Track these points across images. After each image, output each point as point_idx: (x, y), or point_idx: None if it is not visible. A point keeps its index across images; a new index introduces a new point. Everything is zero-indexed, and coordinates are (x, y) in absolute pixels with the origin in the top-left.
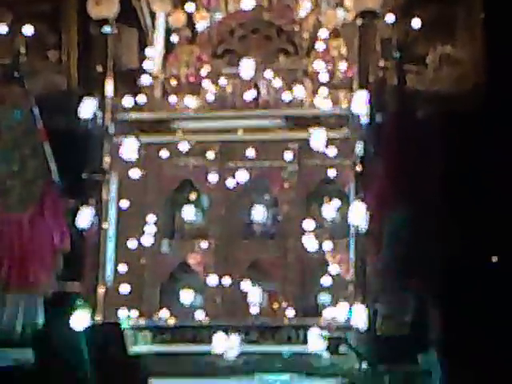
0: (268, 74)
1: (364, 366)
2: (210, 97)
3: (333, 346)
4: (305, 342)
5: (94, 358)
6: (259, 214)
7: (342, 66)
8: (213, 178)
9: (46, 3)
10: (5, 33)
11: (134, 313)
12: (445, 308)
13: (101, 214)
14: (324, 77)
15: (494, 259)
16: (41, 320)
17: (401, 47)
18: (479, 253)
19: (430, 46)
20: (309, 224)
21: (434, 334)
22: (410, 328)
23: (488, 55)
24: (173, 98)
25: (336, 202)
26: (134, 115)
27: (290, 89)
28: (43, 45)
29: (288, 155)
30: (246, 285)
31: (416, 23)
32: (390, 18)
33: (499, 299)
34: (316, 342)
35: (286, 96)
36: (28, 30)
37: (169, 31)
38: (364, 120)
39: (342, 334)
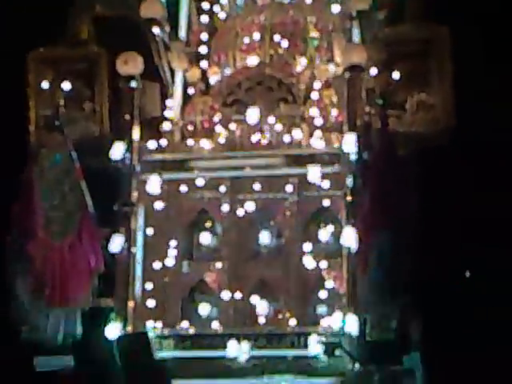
0: (271, 119)
1: (356, 366)
2: (222, 140)
3: (329, 349)
4: (306, 346)
5: (125, 362)
6: (265, 238)
7: (334, 112)
8: (225, 208)
9: (82, 63)
10: (47, 88)
11: (159, 324)
12: (424, 316)
13: (130, 240)
14: (318, 121)
15: (467, 274)
16: (79, 331)
17: (383, 95)
18: (453, 268)
19: (408, 94)
20: (307, 246)
21: (415, 339)
22: (395, 334)
23: (456, 101)
24: (190, 141)
25: (330, 227)
26: (157, 156)
27: (290, 132)
28: (79, 98)
29: (289, 188)
30: (254, 299)
31: (396, 75)
32: (373, 71)
33: (471, 308)
34: (315, 346)
35: (286, 138)
36: (66, 85)
37: (186, 85)
38: (353, 157)
39: (337, 339)
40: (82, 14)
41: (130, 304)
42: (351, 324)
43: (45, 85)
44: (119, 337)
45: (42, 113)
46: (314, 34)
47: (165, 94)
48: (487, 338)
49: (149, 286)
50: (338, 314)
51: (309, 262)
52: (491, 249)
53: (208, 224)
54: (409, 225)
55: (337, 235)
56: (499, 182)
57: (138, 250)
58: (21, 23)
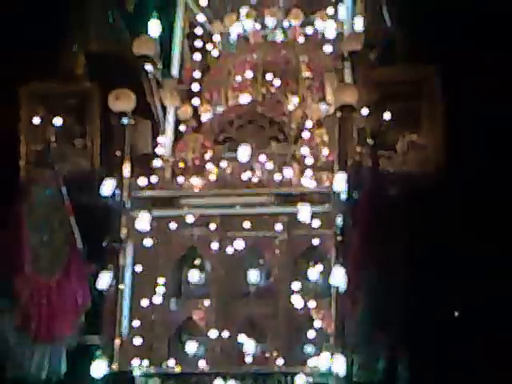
0: (262, 158)
1: None
2: (213, 177)
3: None
4: None
5: None
6: (254, 276)
7: (325, 151)
8: (214, 245)
9: (73, 99)
10: (38, 123)
11: (146, 362)
12: (412, 356)
13: (118, 277)
14: (309, 160)
15: (456, 314)
16: (64, 368)
17: (374, 135)
18: (442, 308)
19: (399, 134)
20: (296, 285)
21: (403, 380)
22: (383, 375)
23: (447, 142)
24: (181, 179)
25: (319, 267)
26: (147, 193)
27: (281, 170)
28: (71, 134)
29: (278, 226)
30: (242, 337)
31: (387, 115)
32: (364, 111)
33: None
34: None
35: (277, 177)
36: (57, 121)
37: (177, 122)
38: (343, 197)
39: (324, 380)
40: (76, 49)
41: (117, 341)
42: (339, 364)
43: (36, 120)
44: (105, 375)
45: (32, 148)
46: (306, 73)
47: (156, 131)
48: (477, 378)
49: (136, 323)
50: (325, 354)
51: (297, 302)
52: (481, 288)
53: (197, 261)
54: (398, 265)
55: (326, 274)
56: (489, 223)
57: (126, 287)
58: (13, 57)
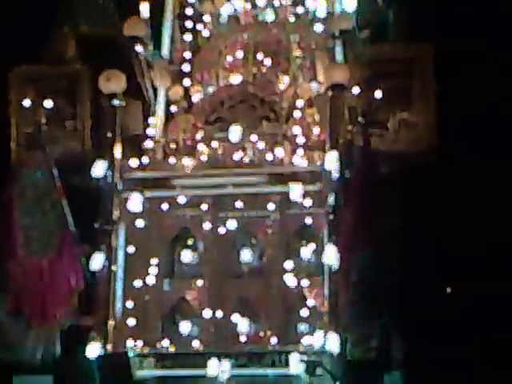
0: (253, 137)
1: None
2: (204, 158)
3: (311, 368)
4: (287, 365)
5: (105, 382)
6: (247, 256)
7: (316, 130)
8: (207, 226)
9: (64, 81)
10: (29, 105)
11: (140, 342)
12: (405, 335)
13: (111, 259)
14: (301, 139)
15: (448, 290)
16: (58, 350)
17: (365, 114)
18: (434, 286)
19: (390, 112)
20: (289, 264)
21: (396, 358)
22: (376, 353)
23: (439, 120)
24: (172, 159)
25: (312, 245)
26: (139, 174)
27: (272, 150)
28: (61, 116)
29: (271, 206)
30: (235, 317)
31: (378, 94)
32: (355, 90)
33: (452, 326)
34: (296, 365)
35: (269, 156)
36: (48, 103)
37: (168, 103)
38: (335, 176)
39: (318, 358)
40: (66, 32)
41: (111, 322)
42: (332, 343)
43: (26, 103)
44: (99, 356)
45: (23, 130)
46: (296, 52)
47: (147, 112)
48: (469, 356)
49: (129, 304)
50: (319, 333)
51: (290, 280)
52: (473, 267)
53: (189, 242)
54: (390, 243)
55: (319, 253)
56: (482, 202)
57: (119, 268)
58: (3, 41)
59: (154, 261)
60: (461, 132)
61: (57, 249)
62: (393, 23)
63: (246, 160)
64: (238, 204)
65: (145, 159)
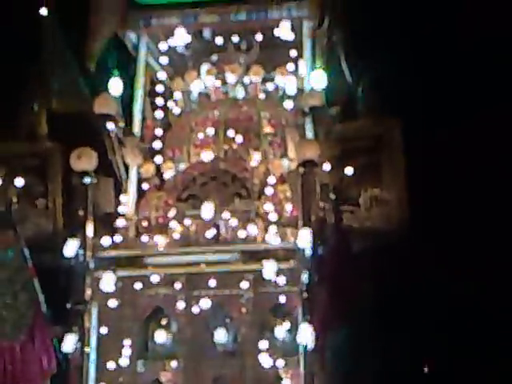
0: (225, 214)
1: None
2: (177, 235)
3: None
4: None
5: None
6: (221, 336)
7: (288, 207)
8: (180, 305)
9: (35, 159)
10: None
11: None
12: None
13: (83, 340)
14: (273, 216)
15: (425, 369)
16: None
17: (336, 191)
18: (410, 364)
19: (361, 189)
20: (264, 344)
21: None
22: None
23: (409, 196)
24: (144, 237)
25: (286, 324)
26: (111, 253)
27: (245, 227)
28: (32, 194)
29: (244, 284)
30: None
31: (349, 171)
32: (326, 166)
33: None
34: None
35: (241, 233)
36: (19, 181)
37: (140, 180)
38: (308, 253)
39: None
40: (36, 108)
41: None
42: None
43: None
44: None
45: None
46: (267, 129)
47: (119, 190)
48: None
49: None
50: None
51: (265, 361)
52: (450, 341)
53: (163, 322)
54: (364, 320)
55: (293, 332)
56: (453, 275)
57: (92, 350)
58: None
59: (128, 341)
60: (432, 206)
61: (28, 331)
62: (362, 100)
63: (219, 237)
64: (212, 282)
65: (117, 238)
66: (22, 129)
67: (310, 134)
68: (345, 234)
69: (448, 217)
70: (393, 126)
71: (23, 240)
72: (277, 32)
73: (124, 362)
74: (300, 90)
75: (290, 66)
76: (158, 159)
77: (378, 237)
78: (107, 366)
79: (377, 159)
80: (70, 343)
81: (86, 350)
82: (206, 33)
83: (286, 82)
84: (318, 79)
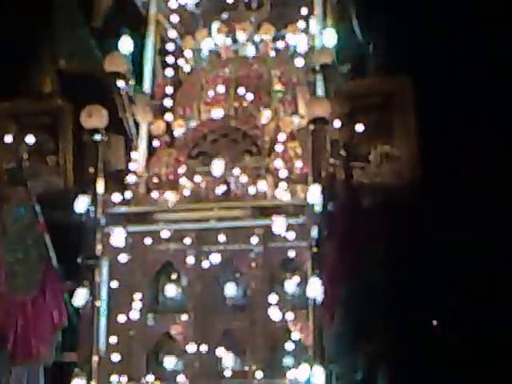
0: (236, 171)
1: None
2: (187, 192)
3: None
4: None
5: None
6: (231, 289)
7: (298, 163)
8: (190, 260)
9: (46, 116)
10: (10, 142)
11: (124, 378)
12: (390, 367)
13: (94, 294)
14: (283, 173)
15: (434, 323)
16: None
17: (347, 147)
18: (420, 318)
19: (372, 146)
20: (273, 298)
21: None
22: None
23: (421, 153)
24: (155, 194)
25: (296, 278)
26: (121, 209)
27: (255, 183)
28: (43, 151)
29: (254, 239)
30: (220, 351)
31: (359, 127)
32: (337, 123)
33: (437, 358)
34: None
35: (252, 190)
36: (30, 139)
37: (151, 137)
38: (318, 209)
39: None
40: (46, 67)
41: (95, 358)
42: (317, 376)
43: (8, 138)
44: None
45: (5, 166)
46: (278, 87)
47: (129, 147)
48: None
49: (113, 339)
50: (304, 366)
51: (275, 314)
52: (460, 298)
53: (173, 276)
54: (373, 275)
55: (303, 286)
56: (464, 234)
57: (103, 304)
58: None
59: (138, 295)
60: (443, 163)
61: (40, 285)
62: (372, 57)
63: (229, 194)
64: (221, 238)
65: (127, 194)
66: (32, 87)
67: (320, 91)
68: (355, 189)
69: (459, 174)
70: (404, 83)
71: (34, 196)
72: None
73: (134, 315)
74: (311, 48)
75: (301, 24)
76: (169, 117)
77: (388, 193)
78: (118, 320)
79: (388, 116)
80: (80, 297)
81: (97, 303)
82: None
83: (296, 40)
84: (328, 37)
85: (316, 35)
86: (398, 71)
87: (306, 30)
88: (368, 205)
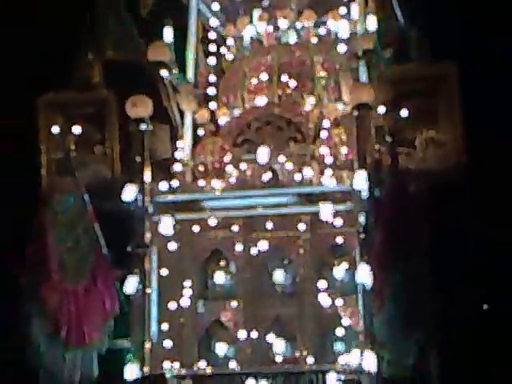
0: (281, 158)
1: None
2: (233, 179)
3: None
4: None
5: None
6: (279, 276)
7: (344, 150)
8: (238, 247)
9: (92, 106)
10: (57, 132)
11: (177, 364)
12: (441, 351)
13: (144, 281)
14: (328, 160)
15: (485, 307)
16: (96, 373)
17: (392, 133)
18: (470, 302)
19: (417, 131)
20: (322, 284)
21: (432, 375)
22: (411, 370)
23: (466, 138)
24: (201, 182)
25: (344, 265)
26: (169, 197)
27: (300, 170)
28: (90, 141)
29: (301, 226)
30: (271, 337)
31: (404, 113)
32: (381, 109)
33: (487, 342)
34: None
35: (297, 177)
36: (77, 129)
37: (195, 126)
38: (364, 195)
39: (355, 377)
40: (91, 58)
41: (147, 345)
42: (369, 361)
43: (55, 129)
44: (137, 378)
45: (53, 157)
46: (321, 73)
47: (175, 136)
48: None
49: (165, 326)
50: (355, 351)
51: (324, 300)
52: (507, 282)
53: (222, 263)
54: (422, 260)
55: (351, 272)
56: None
57: (153, 291)
58: (30, 68)
59: (188, 283)
60: (489, 148)
61: (91, 274)
62: (415, 42)
63: (275, 181)
64: (269, 225)
65: (174, 182)
66: (78, 78)
67: (363, 77)
68: (401, 175)
69: (505, 158)
70: (449, 67)
71: (83, 186)
72: None
73: (185, 302)
74: (352, 34)
75: (342, 10)
76: (213, 105)
77: (434, 178)
78: (168, 307)
79: (433, 101)
80: (131, 285)
81: (148, 291)
82: None
83: (338, 26)
84: (370, 22)
85: (358, 21)
86: (443, 56)
87: (347, 16)
88: (414, 190)
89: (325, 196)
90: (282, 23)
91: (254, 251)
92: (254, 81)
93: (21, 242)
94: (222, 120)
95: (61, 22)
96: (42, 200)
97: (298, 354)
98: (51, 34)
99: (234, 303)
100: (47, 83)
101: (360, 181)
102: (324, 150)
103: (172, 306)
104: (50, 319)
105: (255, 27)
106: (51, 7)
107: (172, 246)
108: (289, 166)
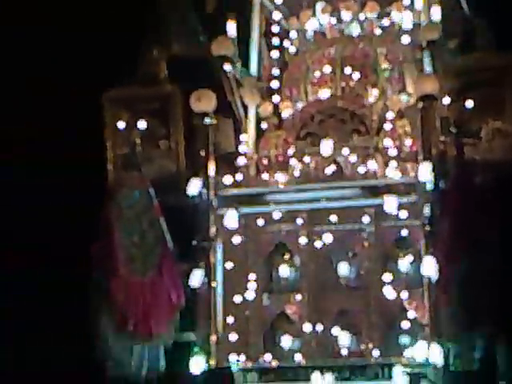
0: (345, 151)
1: None
2: (297, 172)
3: (414, 380)
4: (390, 378)
5: None
6: (344, 269)
7: (408, 142)
8: (303, 240)
9: (156, 101)
10: (123, 128)
11: (242, 357)
12: (508, 345)
13: (210, 275)
14: (393, 152)
15: None
16: (162, 365)
17: (457, 124)
18: None
19: (483, 121)
20: (387, 277)
21: (501, 369)
22: (479, 364)
23: None
24: (265, 175)
25: (409, 257)
26: (233, 191)
27: (364, 163)
28: (155, 136)
29: (365, 219)
30: (336, 330)
31: (469, 103)
32: (446, 100)
33: None
34: (400, 377)
35: (361, 169)
36: (142, 124)
37: (259, 119)
38: (429, 186)
39: (421, 370)
40: (156, 53)
41: (213, 338)
42: (435, 354)
43: (121, 125)
44: (203, 371)
45: (118, 152)
46: (384, 65)
47: (238, 130)
48: None
49: (230, 319)
50: (421, 344)
51: (389, 293)
52: None
53: (286, 256)
54: (489, 252)
55: (416, 265)
56: None
57: (218, 284)
58: (94, 64)
59: (253, 276)
60: None
61: (157, 266)
62: (480, 31)
63: (339, 174)
64: (333, 218)
65: (238, 176)
66: (144, 74)
67: (428, 68)
68: (467, 166)
69: None
70: None
71: (148, 180)
72: None
73: (250, 295)
74: (416, 25)
75: (406, 1)
76: (276, 98)
77: (500, 169)
78: (234, 300)
79: (499, 91)
80: (197, 278)
81: (213, 284)
82: None
83: (402, 17)
84: (434, 12)
85: (422, 11)
86: (509, 46)
87: (410, 7)
88: (480, 181)
89: (389, 188)
90: (345, 15)
91: (318, 244)
92: (317, 73)
93: (88, 239)
94: (286, 113)
95: (125, 18)
96: (109, 195)
97: (363, 347)
98: (115, 29)
99: (299, 296)
100: (112, 78)
101: (425, 173)
102: (388, 142)
103: (237, 299)
104: (118, 313)
105: (318, 20)
106: (116, 2)
107: (237, 239)
108: (352, 158)
